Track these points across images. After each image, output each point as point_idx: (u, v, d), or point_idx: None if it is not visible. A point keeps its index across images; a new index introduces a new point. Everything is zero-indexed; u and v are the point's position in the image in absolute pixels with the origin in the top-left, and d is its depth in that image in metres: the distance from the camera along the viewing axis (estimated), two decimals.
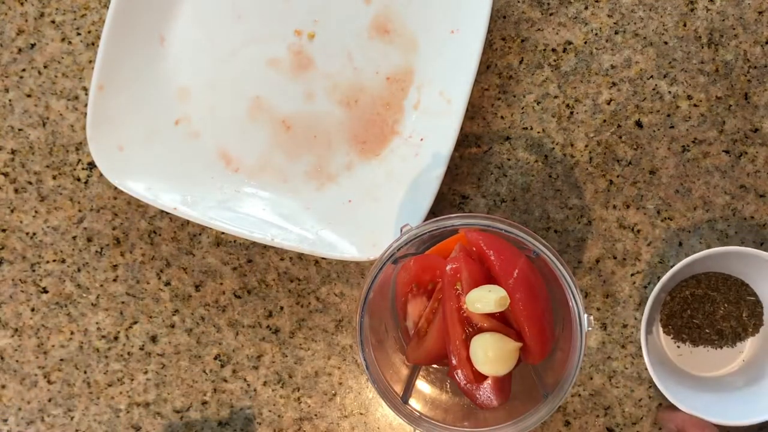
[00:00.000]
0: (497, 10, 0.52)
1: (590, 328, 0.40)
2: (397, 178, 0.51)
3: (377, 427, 0.54)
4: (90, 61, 0.54)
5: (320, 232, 0.51)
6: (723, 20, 0.52)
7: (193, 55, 0.52)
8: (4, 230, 0.54)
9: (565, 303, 0.42)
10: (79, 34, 0.54)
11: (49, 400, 0.54)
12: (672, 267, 0.49)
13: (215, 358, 0.54)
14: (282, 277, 0.54)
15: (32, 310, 0.54)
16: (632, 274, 0.52)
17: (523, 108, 0.53)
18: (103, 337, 0.54)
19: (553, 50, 0.52)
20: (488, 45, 0.52)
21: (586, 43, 0.52)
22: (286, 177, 0.52)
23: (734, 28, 0.52)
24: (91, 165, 0.54)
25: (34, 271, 0.54)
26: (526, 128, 0.53)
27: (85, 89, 0.54)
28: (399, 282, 0.49)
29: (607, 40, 0.52)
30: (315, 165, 0.52)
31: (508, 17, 0.53)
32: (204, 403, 0.54)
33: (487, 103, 0.53)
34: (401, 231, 0.46)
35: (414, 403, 0.47)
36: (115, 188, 0.53)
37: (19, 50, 0.54)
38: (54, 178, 0.54)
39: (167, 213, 0.53)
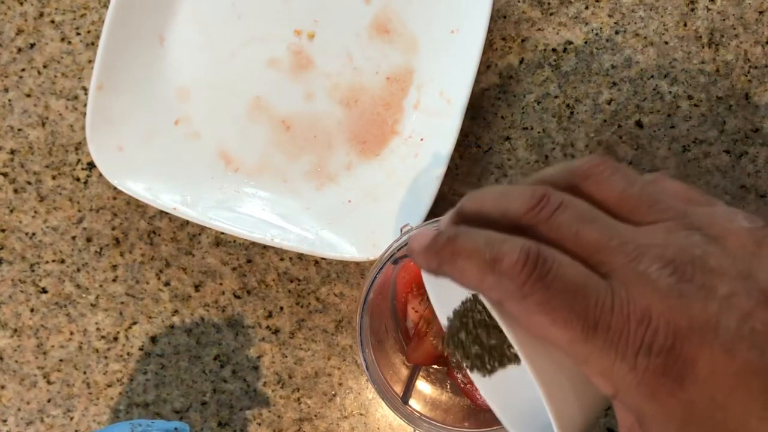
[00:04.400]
0: (497, 10, 0.52)
1: None
2: (397, 178, 0.51)
3: (377, 427, 0.54)
4: (89, 61, 0.53)
5: (320, 232, 0.51)
6: (723, 20, 0.52)
7: (192, 55, 0.52)
8: (3, 230, 0.54)
9: None
10: (78, 33, 0.54)
11: (49, 401, 0.54)
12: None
13: (215, 359, 0.54)
14: (282, 277, 0.54)
15: (32, 310, 0.54)
16: None
17: (523, 108, 0.53)
18: (103, 337, 0.54)
19: (554, 50, 0.52)
20: (488, 45, 0.52)
21: (586, 43, 0.52)
22: (285, 177, 0.52)
23: (735, 28, 0.52)
24: (91, 165, 0.54)
25: (33, 271, 0.54)
26: (527, 128, 0.53)
27: (85, 89, 0.54)
28: (399, 282, 0.49)
29: (607, 40, 0.52)
30: (315, 165, 0.52)
31: (508, 17, 0.52)
32: (203, 403, 0.54)
33: (487, 103, 0.53)
34: (401, 231, 0.46)
35: (414, 403, 0.47)
36: (115, 188, 0.53)
37: (19, 50, 0.54)
38: (53, 178, 0.54)
39: (167, 213, 0.53)
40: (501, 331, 0.32)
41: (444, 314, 0.35)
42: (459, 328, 0.33)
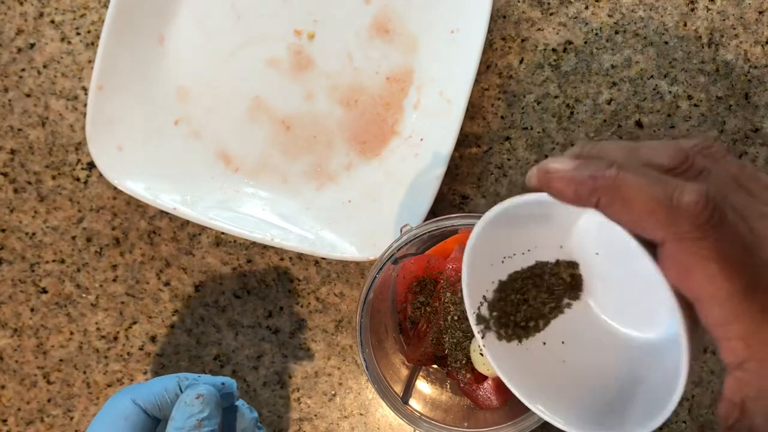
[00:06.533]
0: (497, 10, 0.52)
1: None
2: (397, 178, 0.51)
3: (377, 427, 0.54)
4: (89, 61, 0.53)
5: (320, 232, 0.51)
6: (723, 20, 0.52)
7: (192, 55, 0.52)
8: (3, 230, 0.54)
9: None
10: (78, 33, 0.54)
11: (49, 401, 0.54)
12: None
13: (215, 359, 0.54)
14: (282, 277, 0.54)
15: (32, 310, 0.54)
16: None
17: (523, 108, 0.53)
18: (103, 337, 0.54)
19: (554, 50, 0.52)
20: (488, 45, 0.52)
21: (586, 42, 0.52)
22: (285, 177, 0.52)
23: (735, 28, 0.52)
24: (91, 165, 0.54)
25: (33, 271, 0.54)
26: (526, 128, 0.53)
27: (85, 89, 0.54)
28: (399, 282, 0.49)
29: (607, 40, 0.52)
30: (315, 165, 0.52)
31: (508, 17, 0.52)
32: None
33: (487, 103, 0.53)
34: (401, 231, 0.46)
35: (414, 403, 0.47)
36: (115, 188, 0.53)
37: (19, 50, 0.54)
38: (53, 178, 0.54)
39: (167, 213, 0.53)
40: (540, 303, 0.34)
41: (476, 292, 0.35)
42: (498, 301, 0.34)
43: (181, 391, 0.42)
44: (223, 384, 0.43)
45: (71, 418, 0.54)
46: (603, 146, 0.28)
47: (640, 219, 0.26)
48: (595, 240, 0.34)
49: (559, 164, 0.27)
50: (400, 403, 0.47)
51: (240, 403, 0.45)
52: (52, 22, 0.53)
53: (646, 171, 0.26)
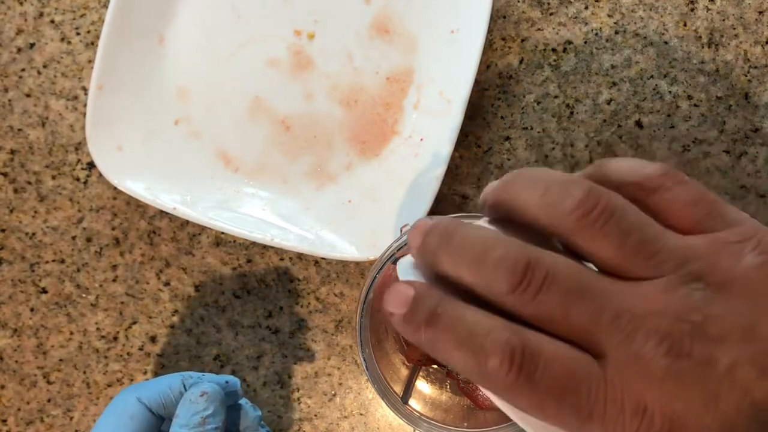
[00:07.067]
0: (497, 10, 0.52)
1: None
2: (397, 178, 0.51)
3: (377, 427, 0.54)
4: (89, 61, 0.53)
5: (320, 232, 0.51)
6: (723, 20, 0.52)
7: (192, 55, 0.52)
8: (3, 230, 0.54)
9: None
10: (78, 33, 0.54)
11: (49, 401, 0.54)
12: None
13: (215, 359, 0.54)
14: (282, 277, 0.54)
15: (31, 310, 0.54)
16: None
17: (523, 108, 0.53)
18: (103, 337, 0.54)
19: (553, 50, 0.52)
20: (488, 45, 0.52)
21: (586, 42, 0.52)
22: (285, 177, 0.52)
23: (734, 28, 0.52)
24: (91, 165, 0.54)
25: (33, 271, 0.54)
26: (526, 128, 0.53)
27: (85, 89, 0.54)
28: None
29: (607, 40, 0.52)
30: (315, 165, 0.52)
31: (508, 17, 0.52)
32: None
33: (487, 103, 0.53)
34: (401, 231, 0.46)
35: (414, 403, 0.47)
36: (115, 188, 0.53)
37: (19, 50, 0.54)
38: (53, 178, 0.54)
39: (167, 213, 0.53)
40: None
41: None
42: None
43: (186, 390, 0.42)
44: (226, 382, 0.43)
45: (71, 418, 0.54)
46: (457, 253, 0.26)
47: (462, 374, 0.26)
48: None
49: (395, 301, 0.26)
50: (400, 403, 0.47)
51: (243, 401, 0.45)
52: (52, 22, 0.53)
53: (460, 320, 0.25)
